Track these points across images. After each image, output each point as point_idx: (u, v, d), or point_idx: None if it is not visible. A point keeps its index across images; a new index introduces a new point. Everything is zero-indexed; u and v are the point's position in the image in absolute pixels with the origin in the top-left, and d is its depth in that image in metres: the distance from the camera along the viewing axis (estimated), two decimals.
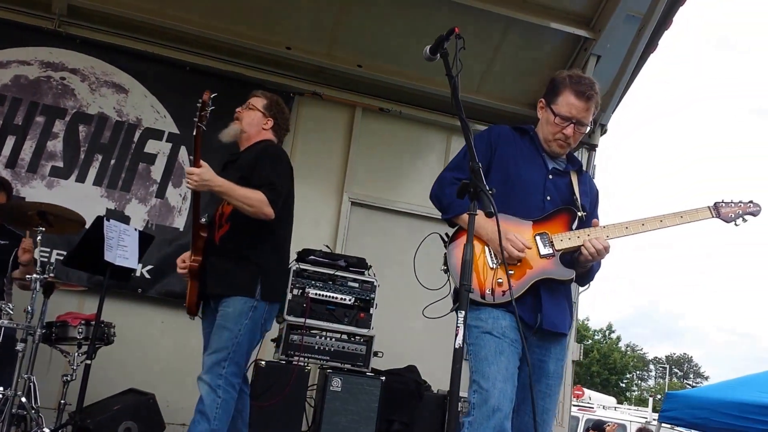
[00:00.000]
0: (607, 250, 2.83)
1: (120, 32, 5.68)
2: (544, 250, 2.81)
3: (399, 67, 5.94)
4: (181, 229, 5.53)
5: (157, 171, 5.62)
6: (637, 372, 51.82)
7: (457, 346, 2.24)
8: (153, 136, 5.66)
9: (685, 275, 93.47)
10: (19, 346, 3.84)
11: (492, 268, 2.75)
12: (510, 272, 2.74)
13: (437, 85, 6.03)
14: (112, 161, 5.54)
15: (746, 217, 2.99)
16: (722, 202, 2.99)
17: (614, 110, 5.67)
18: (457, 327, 2.27)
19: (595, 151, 5.63)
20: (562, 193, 2.96)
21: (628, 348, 50.79)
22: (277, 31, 5.80)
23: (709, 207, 2.97)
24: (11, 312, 3.94)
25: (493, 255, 2.78)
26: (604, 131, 5.77)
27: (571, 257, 2.88)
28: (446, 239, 2.91)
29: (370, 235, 5.99)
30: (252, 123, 3.90)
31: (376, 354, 4.57)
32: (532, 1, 5.52)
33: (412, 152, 6.28)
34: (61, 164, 5.44)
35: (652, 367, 54.14)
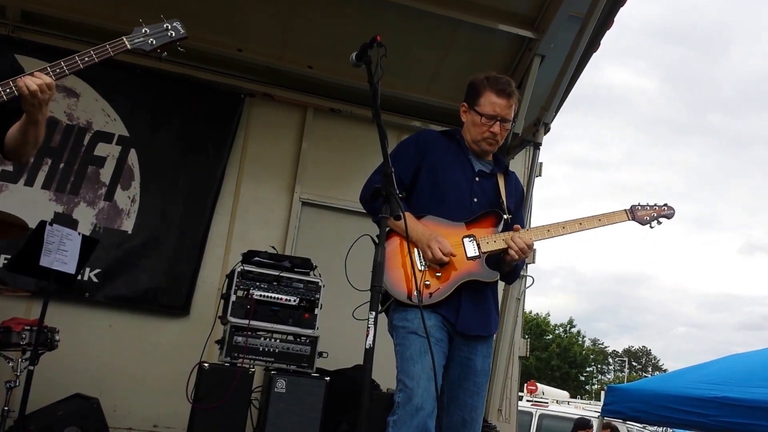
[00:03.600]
0: (530, 247, 2.93)
1: (73, 36, 5.63)
2: (471, 253, 2.89)
3: (349, 68, 5.88)
4: (129, 232, 5.51)
5: (106, 174, 5.59)
6: (597, 365, 52.50)
7: (367, 347, 2.29)
8: (103, 139, 5.63)
9: (646, 267, 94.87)
10: None
11: (420, 270, 2.82)
12: (437, 274, 2.82)
13: (388, 86, 6.06)
14: (62, 165, 5.50)
15: (661, 219, 3.10)
16: (638, 205, 3.10)
17: (557, 109, 5.75)
18: (368, 328, 2.31)
19: (539, 149, 5.71)
20: (488, 195, 3.05)
21: (590, 341, 51.43)
22: (228, 33, 5.80)
23: (625, 210, 3.09)
24: None
25: (421, 257, 2.85)
26: (547, 130, 5.85)
27: (497, 258, 2.96)
28: (376, 241, 2.95)
29: (321, 234, 6.02)
30: None
31: (321, 354, 4.60)
32: (479, 3, 5.58)
33: (364, 152, 6.25)
34: (10, 168, 5.39)
35: (610, 360, 54.90)
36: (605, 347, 55.84)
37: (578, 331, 50.46)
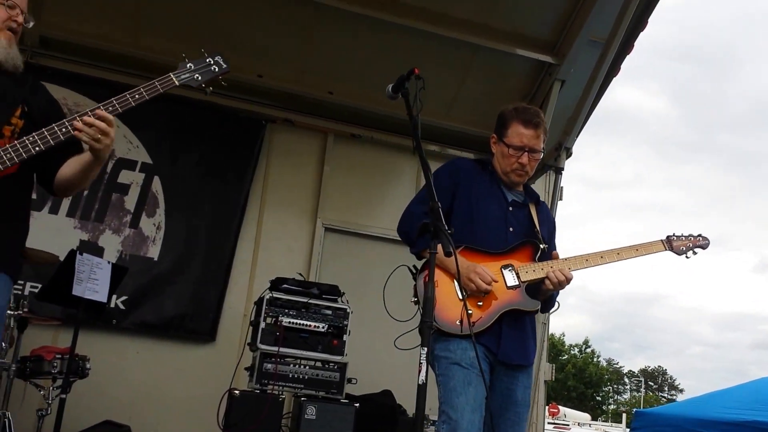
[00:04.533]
0: (569, 280, 2.96)
1: (92, 62, 5.71)
2: (511, 282, 2.92)
3: (369, 93, 6.03)
4: (155, 259, 5.55)
5: (130, 201, 5.65)
6: (613, 385, 52.07)
7: (420, 383, 2.31)
8: (126, 167, 5.69)
9: (660, 286, 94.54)
10: None
11: (461, 300, 2.84)
12: (479, 304, 2.85)
13: (406, 111, 6.11)
14: (86, 192, 5.54)
15: (696, 249, 3.15)
16: (674, 235, 3.15)
17: (578, 134, 5.80)
18: (420, 363, 2.33)
19: (561, 174, 5.75)
20: (523, 224, 3.08)
21: (605, 361, 51.06)
22: (248, 60, 5.86)
23: (662, 240, 3.13)
24: None
25: (461, 287, 2.87)
26: (569, 154, 5.90)
27: (535, 287, 2.98)
28: (414, 271, 2.99)
29: (344, 261, 6.06)
30: None
31: (349, 381, 4.62)
32: (498, 28, 5.64)
33: (384, 177, 6.37)
34: (34, 196, 5.41)
35: (626, 380, 54.45)
36: (620, 367, 55.39)
37: (593, 351, 50.13)
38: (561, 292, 3.08)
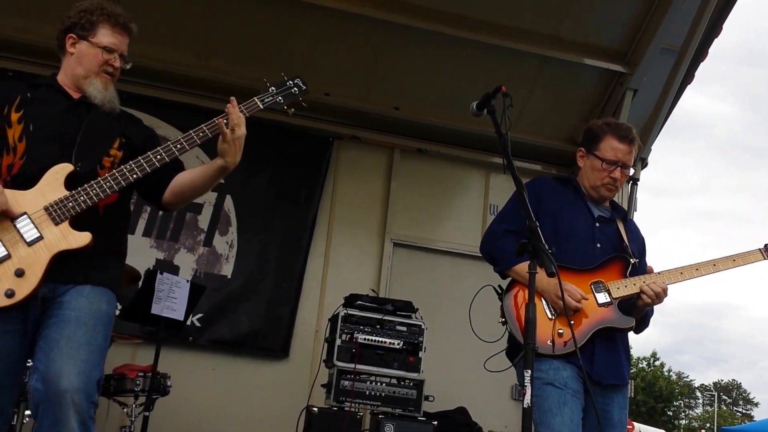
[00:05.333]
0: (665, 293, 2.89)
1: (165, 86, 5.84)
2: (602, 299, 2.86)
3: (435, 108, 6.04)
4: (229, 277, 5.63)
5: (204, 220, 5.75)
6: (684, 400, 50.31)
7: (525, 406, 2.27)
8: None
9: (731, 297, 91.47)
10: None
11: (550, 319, 2.79)
12: (570, 322, 2.79)
13: (474, 124, 6.05)
14: (160, 212, 5.67)
15: None
16: None
17: (653, 143, 5.68)
18: (524, 387, 2.29)
19: (636, 185, 5.64)
20: (611, 240, 3.02)
21: (674, 375, 49.44)
22: (315, 78, 5.88)
23: (760, 250, 3.03)
24: None
25: (549, 306, 2.82)
26: (644, 165, 5.78)
27: (627, 305, 2.92)
28: (500, 291, 2.96)
29: (413, 276, 6.03)
30: None
31: (427, 398, 4.59)
32: (565, 39, 5.58)
33: (452, 191, 6.34)
34: None
35: (698, 394, 52.54)
36: (691, 381, 53.56)
37: (662, 364, 48.63)
38: None
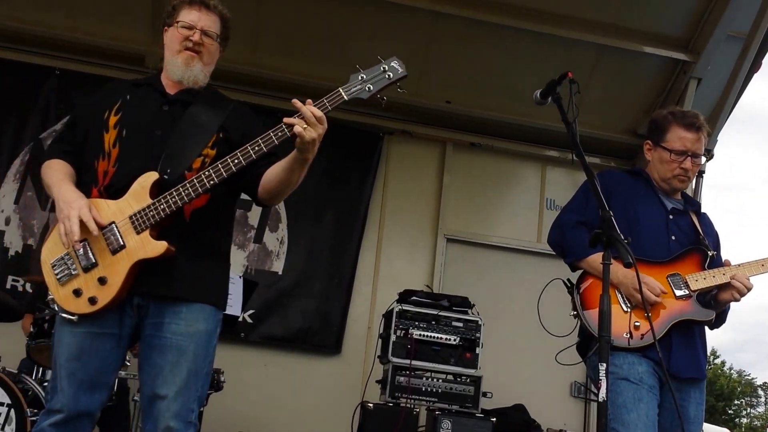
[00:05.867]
0: (750, 287, 2.76)
1: (213, 83, 5.83)
2: (680, 291, 2.75)
3: (488, 100, 5.91)
4: (280, 273, 5.58)
5: (254, 217, 5.71)
6: (746, 398, 48.72)
7: (601, 400, 2.16)
8: None
9: None
10: (137, 397, 3.93)
11: (625, 312, 2.69)
12: (646, 315, 2.67)
13: (529, 117, 5.97)
14: None
15: None
16: None
17: (719, 134, 5.46)
18: (600, 380, 2.19)
19: (702, 177, 5.43)
20: (686, 232, 2.91)
21: (735, 373, 47.92)
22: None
23: None
24: (128, 363, 4.05)
25: (625, 298, 2.72)
26: (710, 157, 5.57)
27: (704, 299, 2.80)
28: (569, 284, 2.85)
29: (467, 272, 5.91)
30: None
31: (484, 394, 4.47)
32: (625, 27, 5.41)
33: (506, 185, 6.21)
34: None
35: (761, 392, 50.84)
36: (753, 379, 51.85)
37: (722, 362, 47.24)
38: None
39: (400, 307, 4.58)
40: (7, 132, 5.42)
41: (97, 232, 2.23)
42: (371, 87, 2.35)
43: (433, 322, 4.56)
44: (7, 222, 5.31)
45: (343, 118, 5.91)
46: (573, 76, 2.49)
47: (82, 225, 2.23)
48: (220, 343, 5.21)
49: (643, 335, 2.64)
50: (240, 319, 5.34)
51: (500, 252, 6.01)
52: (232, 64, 5.65)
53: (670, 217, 2.91)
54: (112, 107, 2.45)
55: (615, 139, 6.00)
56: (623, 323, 2.65)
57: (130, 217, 2.26)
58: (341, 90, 2.33)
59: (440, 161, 6.11)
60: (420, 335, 4.50)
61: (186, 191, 2.25)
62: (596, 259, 2.63)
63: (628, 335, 2.62)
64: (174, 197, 2.25)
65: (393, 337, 4.50)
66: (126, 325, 2.31)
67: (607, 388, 2.18)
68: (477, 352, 4.53)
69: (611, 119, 5.92)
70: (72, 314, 2.23)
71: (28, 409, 3.57)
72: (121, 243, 2.25)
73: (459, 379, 4.50)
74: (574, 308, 2.77)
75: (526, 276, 5.91)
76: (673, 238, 2.86)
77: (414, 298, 4.65)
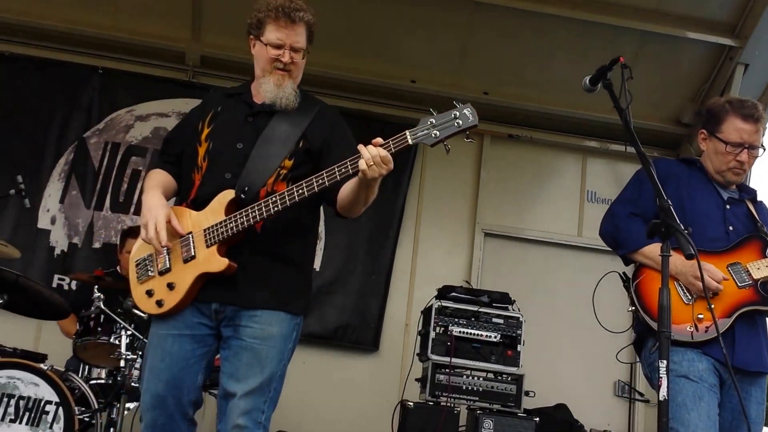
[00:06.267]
0: None
1: (249, 78, 5.82)
2: (742, 281, 2.64)
3: (526, 91, 5.80)
4: (318, 270, 5.53)
5: None
6: None
7: (662, 399, 2.07)
8: None
9: None
10: None
11: (687, 304, 2.59)
12: (709, 307, 2.57)
13: (568, 107, 5.85)
14: None
15: None
16: None
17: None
18: (660, 377, 2.10)
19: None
20: (743, 222, 2.82)
21: None
22: (400, 65, 5.79)
23: None
24: None
25: (685, 289, 2.62)
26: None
27: (766, 288, 2.67)
28: (624, 278, 2.76)
29: (506, 267, 5.80)
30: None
31: (527, 393, 4.38)
32: (668, 12, 5.23)
33: (546, 178, 6.07)
34: None
35: None
36: None
37: None
38: None
39: (439, 303, 4.51)
40: (53, 132, 5.48)
41: (164, 244, 2.34)
42: (438, 133, 2.30)
43: (473, 319, 4.48)
44: (53, 221, 5.37)
45: (377, 111, 5.88)
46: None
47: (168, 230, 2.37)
48: None
49: (707, 328, 2.54)
50: None
51: (540, 246, 5.89)
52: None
53: (727, 207, 2.82)
54: (206, 119, 2.54)
55: (658, 128, 5.83)
56: (685, 316, 2.56)
57: (205, 231, 2.37)
58: (408, 133, 2.32)
59: (477, 154, 6.00)
60: (460, 332, 4.42)
61: (252, 214, 2.32)
62: (652, 250, 2.57)
63: (692, 329, 2.53)
64: (243, 217, 2.32)
65: (432, 334, 4.42)
66: (205, 326, 2.40)
67: (668, 387, 2.09)
68: (518, 349, 4.43)
69: (655, 107, 5.74)
70: (143, 313, 2.42)
71: (76, 407, 3.60)
72: (193, 254, 2.37)
73: (500, 378, 4.41)
74: (632, 303, 2.68)
75: (568, 270, 5.80)
76: (731, 228, 2.77)
77: (453, 294, 4.57)
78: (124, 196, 5.49)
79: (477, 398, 4.33)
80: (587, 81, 2.65)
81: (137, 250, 2.49)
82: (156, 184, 2.52)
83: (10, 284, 3.86)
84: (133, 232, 4.62)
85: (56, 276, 5.27)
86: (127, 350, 3.82)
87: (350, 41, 5.59)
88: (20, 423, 3.61)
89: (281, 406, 5.31)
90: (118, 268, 4.75)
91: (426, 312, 4.63)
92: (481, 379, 4.38)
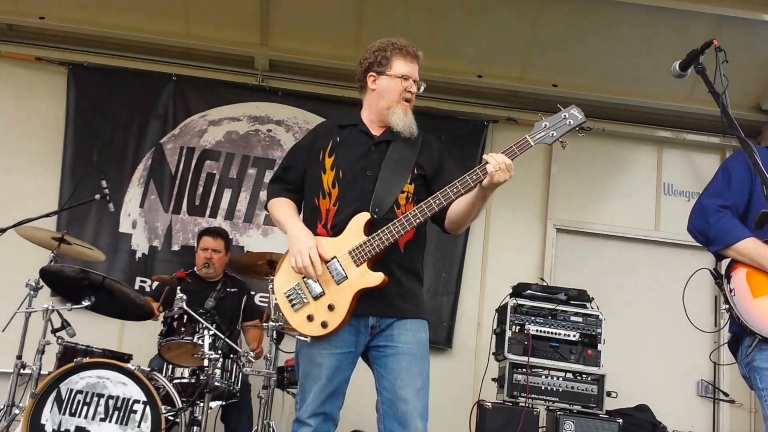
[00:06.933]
0: None
1: (316, 80, 5.89)
2: None
3: (597, 82, 5.68)
4: None
5: None
6: None
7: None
8: None
9: None
10: (262, 393, 4.01)
11: None
12: None
13: (641, 97, 5.69)
14: None
15: None
16: None
17: None
18: None
19: None
20: None
21: None
22: (466, 61, 5.74)
23: None
24: (253, 360, 4.14)
25: None
26: None
27: None
28: (716, 275, 2.65)
29: (579, 263, 5.69)
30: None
31: (609, 394, 4.29)
32: None
33: (620, 171, 5.92)
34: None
35: None
36: None
37: None
38: None
39: (514, 301, 4.46)
40: (131, 138, 5.65)
41: (320, 272, 2.54)
42: (554, 133, 2.62)
43: (550, 317, 4.41)
44: (134, 225, 5.54)
45: (446, 108, 5.85)
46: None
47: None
48: None
49: None
50: None
51: (614, 241, 5.76)
52: (338, 61, 5.71)
53: None
54: (326, 148, 2.73)
55: (737, 116, 5.56)
56: None
57: (350, 252, 2.56)
58: (528, 137, 2.61)
59: (547, 148, 5.86)
60: (537, 331, 4.36)
61: (395, 229, 2.53)
62: (746, 246, 2.50)
63: None
64: (386, 234, 2.54)
65: (508, 333, 4.38)
66: (360, 343, 2.64)
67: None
68: (599, 348, 4.34)
69: (732, 94, 5.44)
70: (305, 336, 2.57)
71: (162, 406, 3.69)
72: (344, 275, 2.56)
73: (579, 378, 4.34)
74: (726, 301, 2.56)
75: (645, 266, 5.66)
76: None
77: (529, 291, 4.51)
78: (199, 199, 5.62)
79: (556, 399, 4.27)
80: (677, 66, 2.59)
81: (281, 282, 2.66)
82: (293, 213, 2.74)
83: (97, 286, 4.01)
84: (209, 231, 4.88)
85: (138, 278, 5.43)
86: (209, 350, 3.90)
87: (416, 39, 5.53)
88: (110, 422, 3.72)
89: (356, 406, 5.36)
90: (195, 268, 4.86)
91: (501, 310, 4.58)
92: (560, 379, 4.31)
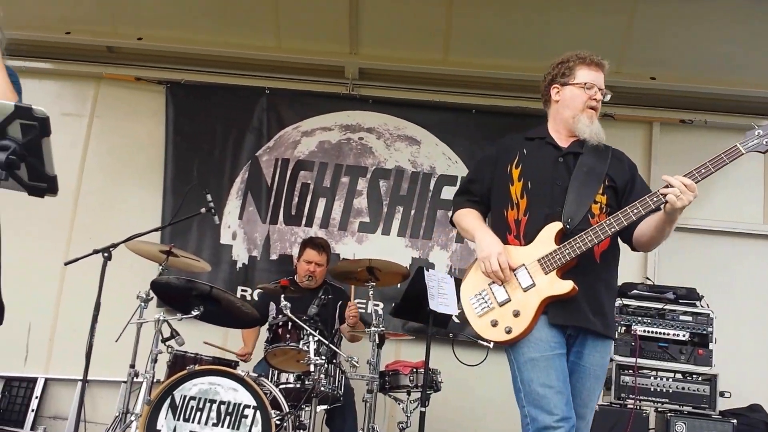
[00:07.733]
0: None
1: (406, 86, 5.93)
2: None
3: (698, 72, 5.46)
4: None
5: None
6: None
7: None
8: (448, 183, 5.74)
9: None
10: (367, 397, 4.06)
11: None
12: None
13: (744, 86, 5.46)
14: (412, 211, 5.72)
15: None
16: None
17: None
18: None
19: None
20: None
21: None
22: (557, 56, 5.63)
23: None
24: (357, 365, 4.20)
25: None
26: None
27: None
28: None
29: (685, 260, 5.46)
30: None
31: (722, 394, 4.11)
32: None
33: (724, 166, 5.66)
34: (367, 219, 5.75)
35: None
36: None
37: None
38: None
39: (620, 301, 4.35)
40: (228, 152, 5.86)
41: (508, 278, 2.57)
42: (767, 141, 2.49)
43: (657, 317, 4.28)
44: (234, 237, 5.73)
45: (535, 107, 5.72)
46: None
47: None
48: (434, 343, 5.30)
49: None
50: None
51: (720, 237, 5.52)
52: (426, 65, 5.73)
53: None
54: (513, 161, 2.76)
55: None
56: None
57: (539, 260, 2.56)
58: (738, 145, 2.54)
59: (646, 143, 5.73)
60: (644, 331, 4.25)
61: (589, 237, 2.52)
62: None
63: None
64: (578, 243, 2.53)
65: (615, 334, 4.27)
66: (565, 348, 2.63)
67: None
68: (710, 348, 4.18)
69: None
70: (488, 341, 2.67)
71: (271, 411, 3.79)
72: (532, 282, 2.56)
73: (689, 378, 4.19)
74: None
75: (754, 261, 5.40)
76: None
77: (635, 291, 4.39)
78: (295, 209, 5.75)
79: (666, 400, 4.14)
80: None
81: (467, 288, 2.71)
82: (481, 222, 2.79)
83: (204, 296, 4.16)
84: (314, 244, 4.91)
85: (239, 288, 5.61)
86: (315, 356, 3.97)
87: (505, 41, 5.53)
88: (222, 426, 3.85)
89: (457, 408, 5.34)
90: (295, 276, 4.97)
91: None
92: (669, 380, 4.18)
